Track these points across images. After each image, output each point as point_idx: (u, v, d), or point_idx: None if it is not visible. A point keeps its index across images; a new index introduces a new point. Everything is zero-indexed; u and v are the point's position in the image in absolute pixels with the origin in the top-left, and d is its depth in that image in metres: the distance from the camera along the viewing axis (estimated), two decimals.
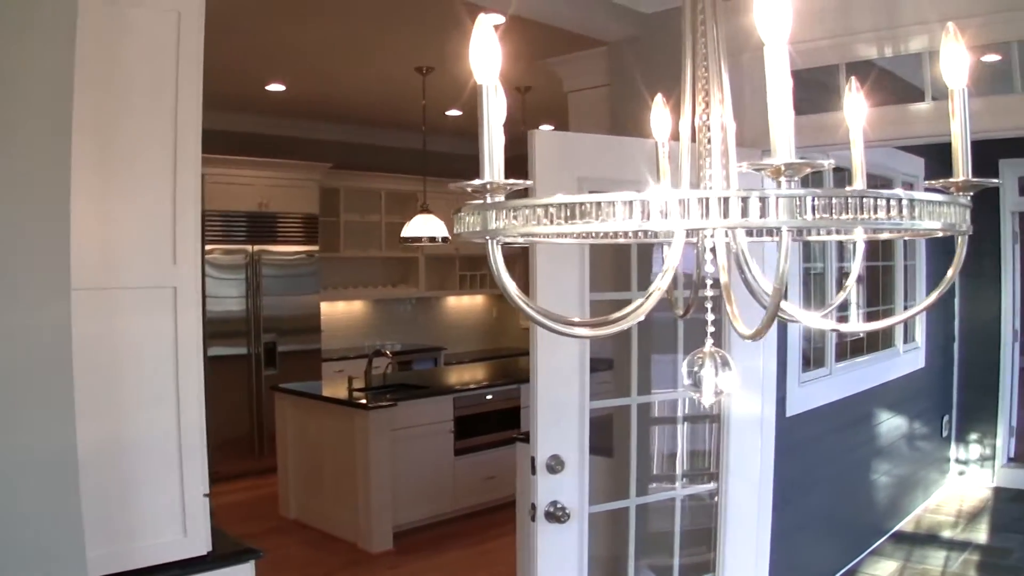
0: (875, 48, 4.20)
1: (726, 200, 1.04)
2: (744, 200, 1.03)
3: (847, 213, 1.05)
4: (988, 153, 8.42)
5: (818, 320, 1.47)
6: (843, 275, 7.22)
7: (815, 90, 4.56)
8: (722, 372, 1.63)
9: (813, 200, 1.04)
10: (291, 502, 8.10)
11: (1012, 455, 9.12)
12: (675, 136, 1.68)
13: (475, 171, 1.22)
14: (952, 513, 8.12)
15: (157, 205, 3.11)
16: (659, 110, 1.82)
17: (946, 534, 7.55)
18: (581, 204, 1.09)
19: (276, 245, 9.81)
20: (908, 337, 7.78)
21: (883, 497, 7.39)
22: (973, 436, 9.06)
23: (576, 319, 1.53)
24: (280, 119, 10.32)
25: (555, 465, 3.71)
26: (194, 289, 3.17)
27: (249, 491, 8.89)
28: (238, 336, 9.59)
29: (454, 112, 9.74)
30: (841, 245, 7.35)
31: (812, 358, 6.10)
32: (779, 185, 1.07)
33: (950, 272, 1.40)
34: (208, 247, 9.06)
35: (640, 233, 1.65)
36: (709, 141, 1.55)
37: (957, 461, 9.14)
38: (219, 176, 8.98)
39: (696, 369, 1.60)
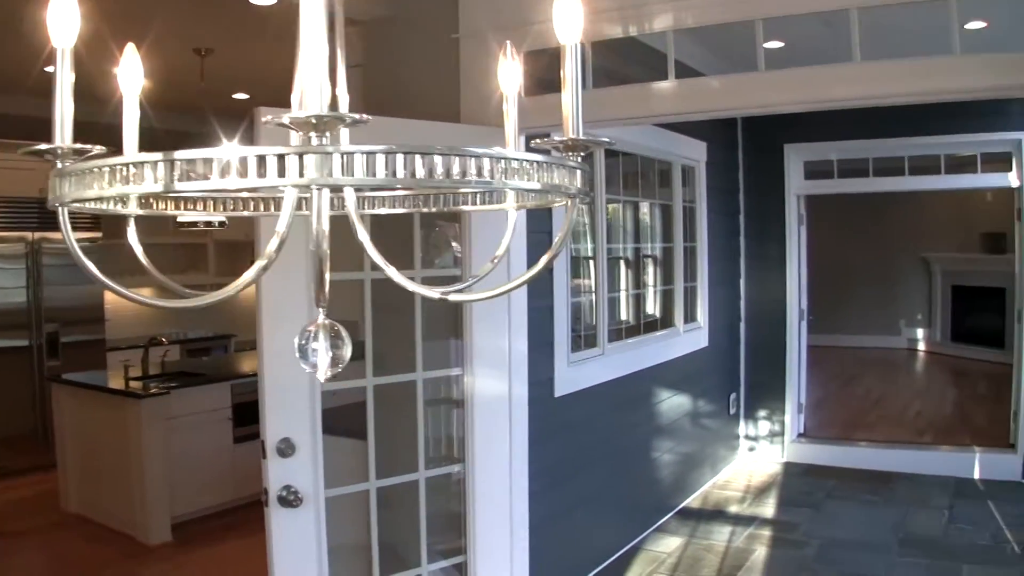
0: (619, 27, 4.19)
1: (301, 157, 0.94)
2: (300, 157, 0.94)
3: (431, 175, 0.99)
4: (773, 137, 8.63)
5: (426, 289, 1.39)
6: (641, 257, 7.30)
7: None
8: (336, 345, 1.54)
9: (388, 160, 0.97)
10: (71, 496, 7.78)
11: (802, 430, 9.39)
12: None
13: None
14: (740, 488, 8.30)
15: None
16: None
17: (733, 509, 7.71)
18: (155, 162, 0.97)
19: (58, 232, 9.37)
20: (689, 317, 7.89)
21: (668, 474, 7.49)
22: (762, 413, 9.30)
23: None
24: None
25: (286, 448, 3.60)
26: None
27: (33, 486, 8.52)
28: (19, 327, 9.18)
29: (241, 95, 9.49)
30: (640, 225, 7.46)
31: (584, 339, 6.13)
32: (309, 141, 1.01)
33: (558, 238, 1.34)
34: None
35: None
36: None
37: (747, 437, 9.36)
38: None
39: (306, 343, 1.50)
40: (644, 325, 7.33)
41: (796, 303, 9.11)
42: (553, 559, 5.58)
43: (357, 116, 1.02)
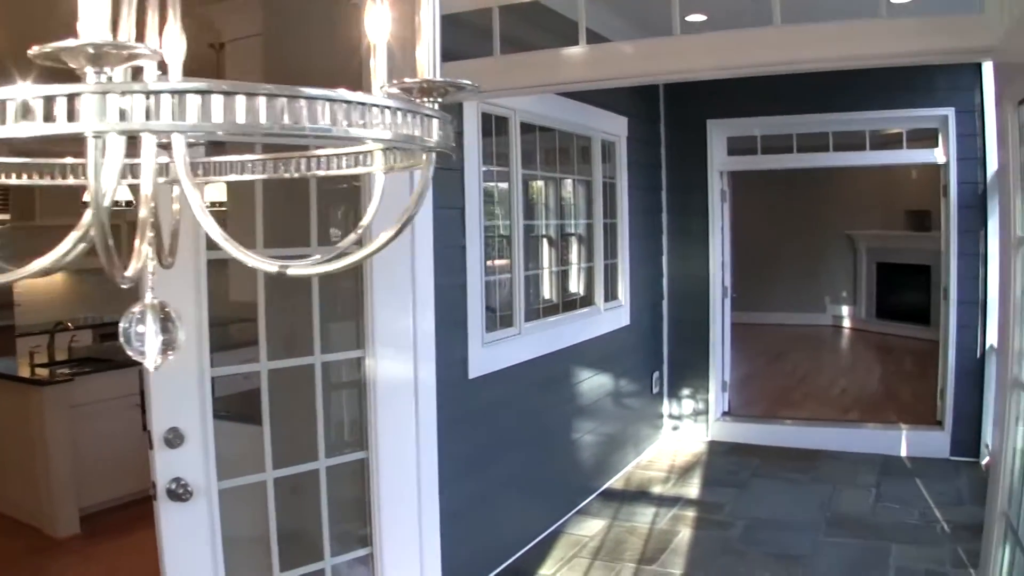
0: None
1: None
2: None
3: (255, 120, 0.80)
4: (696, 113, 8.53)
5: (264, 263, 1.21)
6: (563, 236, 7.15)
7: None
8: (167, 329, 1.33)
9: (204, 103, 0.77)
10: None
11: (726, 409, 9.32)
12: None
13: None
14: (664, 468, 8.19)
15: None
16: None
17: (657, 490, 7.60)
18: None
19: None
20: (610, 295, 7.75)
21: (590, 456, 7.35)
22: (686, 392, 9.20)
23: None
24: None
25: (174, 439, 3.38)
26: None
27: None
28: None
29: None
30: (561, 202, 7.31)
31: (501, 319, 5.97)
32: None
33: (412, 198, 1.15)
34: None
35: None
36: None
37: (671, 417, 9.26)
38: None
39: (130, 326, 1.29)
40: (565, 304, 7.17)
41: (719, 280, 9.01)
42: (470, 547, 5.43)
43: (149, 50, 0.82)
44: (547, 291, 7.21)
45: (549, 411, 6.62)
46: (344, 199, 4.36)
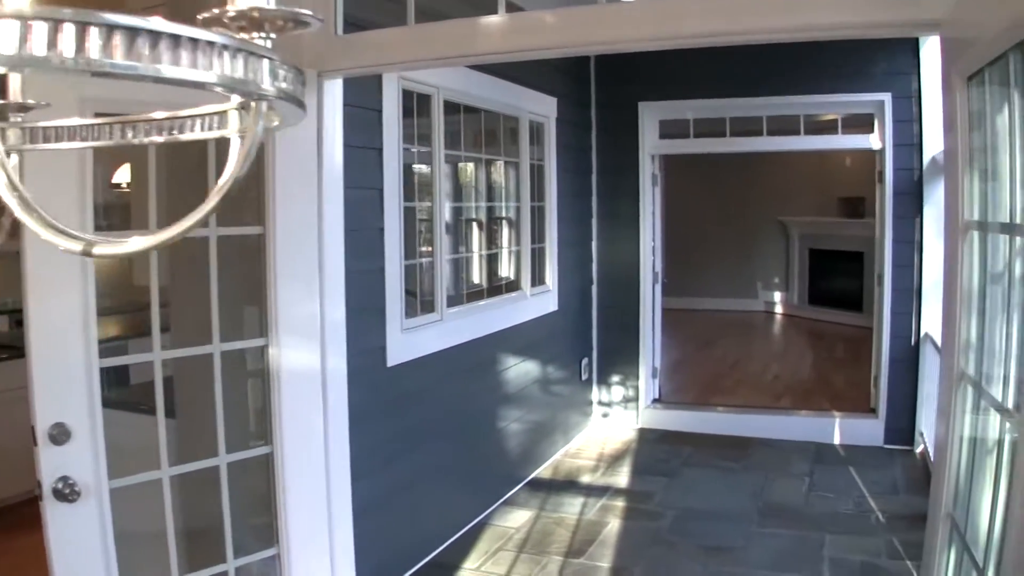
0: None
1: None
2: None
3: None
4: (628, 95, 8.38)
5: (68, 241, 0.98)
6: (490, 220, 6.95)
7: None
8: None
9: None
10: None
11: (657, 396, 9.18)
12: None
13: None
14: (593, 457, 8.02)
15: None
16: None
17: (585, 479, 7.43)
18: None
19: None
20: (537, 280, 7.55)
21: (517, 444, 7.16)
22: (616, 378, 9.04)
23: None
24: None
25: (59, 435, 3.12)
26: None
27: None
28: None
29: None
30: (490, 185, 7.10)
31: (423, 304, 5.75)
32: None
33: (237, 161, 0.92)
34: None
35: None
36: None
37: (600, 404, 9.09)
38: None
39: None
40: (491, 289, 6.97)
41: (650, 265, 8.85)
42: (389, 542, 5.24)
43: None
44: (472, 276, 7.01)
45: (474, 399, 6.41)
46: (252, 176, 4.10)
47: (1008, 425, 2.50)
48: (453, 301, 6.20)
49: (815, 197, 15.68)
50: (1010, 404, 2.46)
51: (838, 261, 15.31)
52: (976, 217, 2.75)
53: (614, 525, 6.38)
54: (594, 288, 8.95)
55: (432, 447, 5.77)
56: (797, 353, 12.82)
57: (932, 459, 6.77)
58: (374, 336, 5.03)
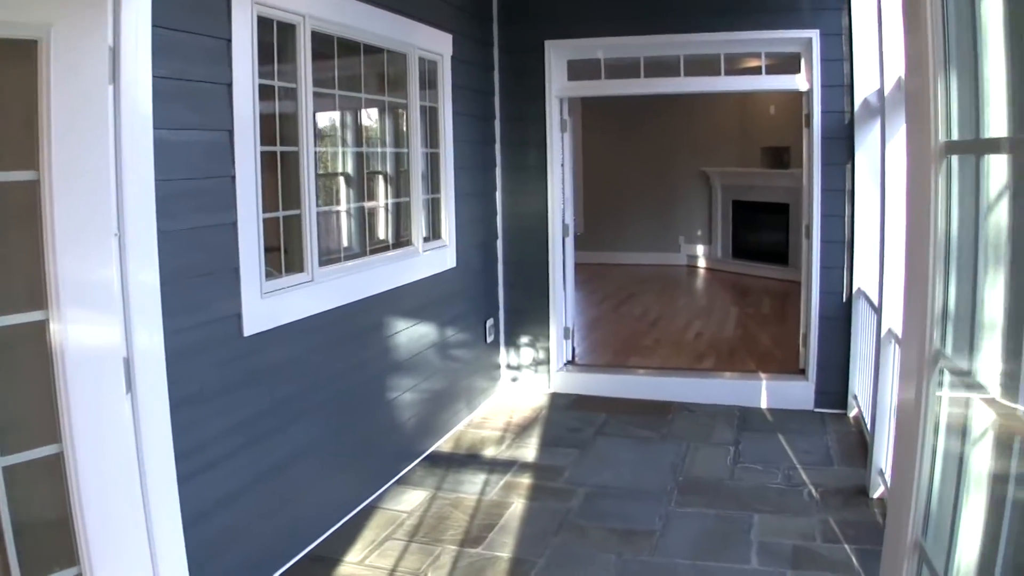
0: None
1: None
2: None
3: None
4: (533, 33, 7.77)
5: None
6: (379, 169, 6.24)
7: None
8: None
9: None
10: None
11: (570, 358, 8.59)
12: None
13: None
14: (500, 427, 7.40)
15: None
16: None
17: (489, 452, 6.80)
18: None
19: None
20: (433, 234, 6.84)
21: (412, 416, 6.48)
22: (524, 340, 8.42)
23: None
24: None
25: None
26: None
27: None
28: None
29: None
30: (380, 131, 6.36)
31: (287, 262, 5.00)
32: None
33: None
34: None
35: None
36: None
37: (508, 367, 8.48)
38: None
39: None
40: (379, 246, 6.25)
41: (560, 218, 8.19)
42: (252, 538, 4.58)
43: None
44: (353, 230, 6.28)
45: (358, 369, 5.71)
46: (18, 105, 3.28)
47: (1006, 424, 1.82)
48: (331, 260, 5.48)
49: (738, 147, 15.38)
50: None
51: (762, 213, 15.03)
52: (956, 136, 2.07)
53: (518, 506, 5.75)
54: (499, 243, 8.27)
55: (307, 425, 5.08)
56: (721, 309, 12.23)
57: (868, 427, 6.29)
58: (226, 302, 4.31)
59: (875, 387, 5.74)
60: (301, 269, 5.00)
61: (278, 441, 4.78)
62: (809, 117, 7.40)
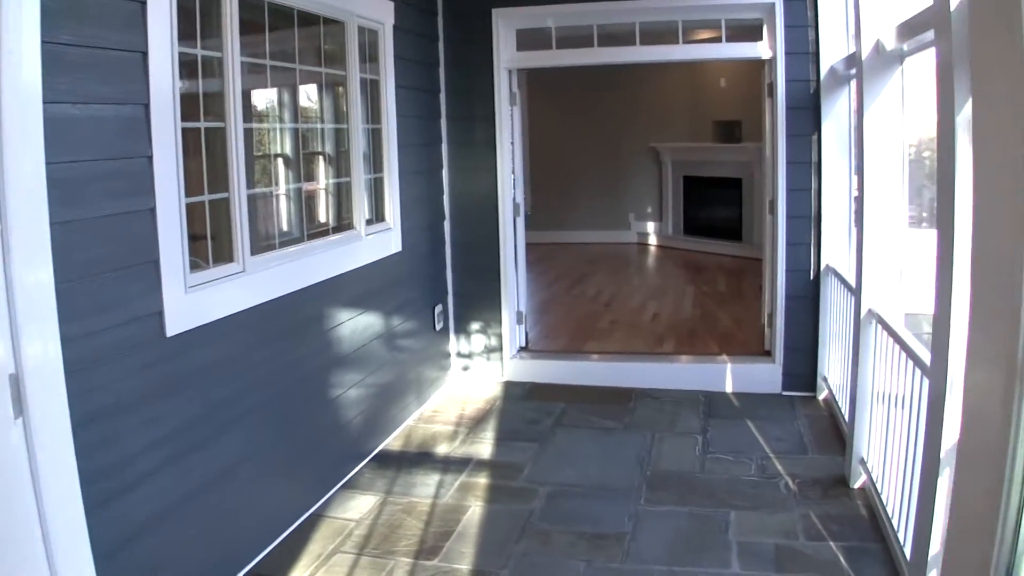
0: None
1: None
2: None
3: None
4: (480, 1, 7.30)
5: None
6: (316, 147, 5.76)
7: None
8: None
9: None
10: None
11: (523, 344, 8.19)
12: None
13: None
14: (452, 420, 6.95)
15: None
16: None
17: (442, 449, 6.35)
18: None
19: None
20: (376, 216, 6.37)
21: (358, 413, 6.00)
22: (475, 326, 8.00)
23: None
24: None
25: None
26: None
27: None
28: None
29: None
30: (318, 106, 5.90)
31: (214, 252, 4.50)
32: None
33: None
34: None
35: None
36: None
37: (460, 355, 8.05)
38: None
39: None
40: (316, 231, 5.77)
41: (510, 197, 7.74)
42: (180, 564, 4.09)
43: None
44: (288, 214, 5.80)
45: (297, 366, 5.22)
46: None
47: None
48: (266, 248, 4.99)
49: (689, 122, 15.12)
50: None
51: (714, 188, 14.78)
52: None
53: (475, 510, 5.31)
54: (447, 224, 7.82)
55: (243, 431, 4.60)
56: (676, 288, 11.83)
57: (842, 412, 5.94)
58: (145, 299, 3.80)
59: (855, 372, 5.39)
60: (231, 259, 4.50)
61: (211, 451, 4.30)
62: (772, 87, 7.04)
